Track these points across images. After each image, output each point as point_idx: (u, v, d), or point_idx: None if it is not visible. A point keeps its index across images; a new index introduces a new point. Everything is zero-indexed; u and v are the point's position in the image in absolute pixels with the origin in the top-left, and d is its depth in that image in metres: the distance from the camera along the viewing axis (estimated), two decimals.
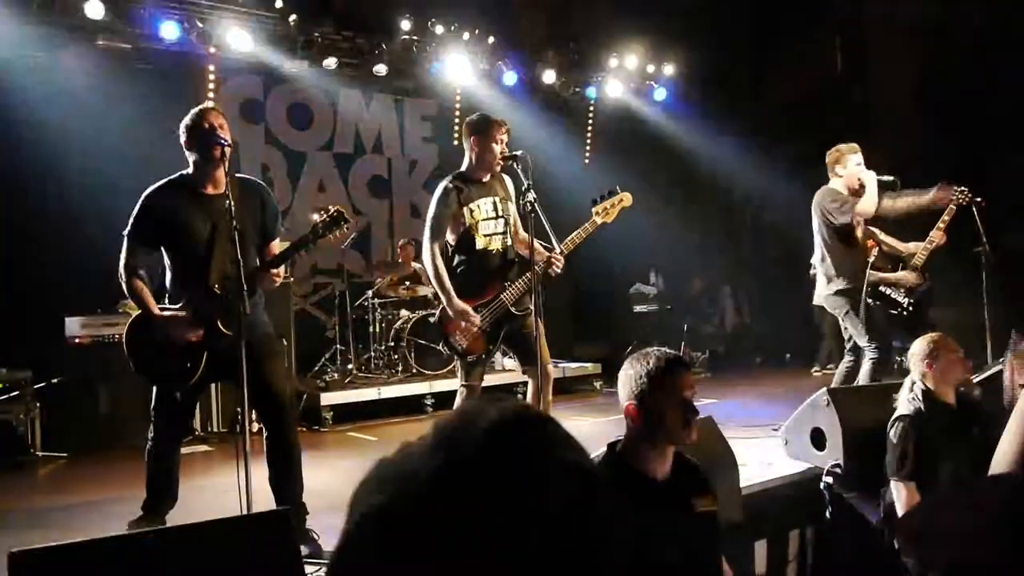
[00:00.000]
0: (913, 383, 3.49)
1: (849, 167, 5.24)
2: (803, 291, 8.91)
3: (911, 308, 5.36)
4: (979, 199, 5.57)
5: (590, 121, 9.90)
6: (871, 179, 5.11)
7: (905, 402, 3.46)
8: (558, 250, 4.07)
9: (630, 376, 2.22)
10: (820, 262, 5.37)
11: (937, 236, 5.42)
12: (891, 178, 5.16)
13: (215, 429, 6.19)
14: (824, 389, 4.14)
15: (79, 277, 6.21)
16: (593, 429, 6.16)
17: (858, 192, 5.18)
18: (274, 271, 3.47)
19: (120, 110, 6.94)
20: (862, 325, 5.12)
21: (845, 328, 5.35)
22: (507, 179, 4.32)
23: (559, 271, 4.12)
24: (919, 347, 3.49)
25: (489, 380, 4.62)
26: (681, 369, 2.21)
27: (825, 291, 5.35)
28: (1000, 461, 1.50)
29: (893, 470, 3.37)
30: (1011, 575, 0.89)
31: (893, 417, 3.46)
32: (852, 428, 3.93)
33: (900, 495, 3.33)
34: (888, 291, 5.45)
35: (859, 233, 5.28)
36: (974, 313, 5.64)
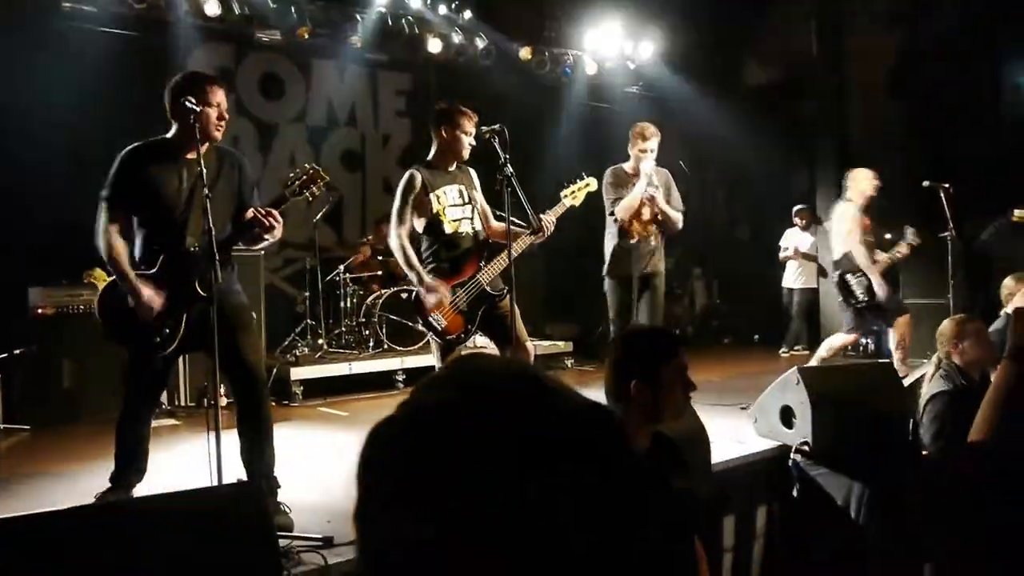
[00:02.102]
0: (940, 361, 3.57)
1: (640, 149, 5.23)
2: (772, 273, 9.04)
3: (863, 305, 5.71)
4: (947, 186, 5.67)
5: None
6: (647, 169, 5.16)
7: (940, 379, 3.51)
8: (536, 222, 4.11)
9: (632, 355, 2.21)
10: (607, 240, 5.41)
11: (903, 252, 5.81)
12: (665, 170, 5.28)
13: (183, 403, 6.11)
14: (794, 368, 4.20)
15: (42, 247, 6.07)
16: None
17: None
18: (275, 213, 3.31)
19: (84, 76, 6.75)
20: (616, 309, 5.31)
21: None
22: (472, 171, 4.38)
23: (547, 236, 4.21)
24: (948, 327, 3.58)
25: None
26: (679, 346, 2.23)
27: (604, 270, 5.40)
28: (974, 429, 1.57)
29: (931, 442, 3.41)
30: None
31: (931, 394, 3.50)
32: (821, 406, 3.98)
33: None
34: (852, 282, 5.71)
35: (634, 227, 5.27)
36: (940, 296, 5.75)
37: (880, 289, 5.61)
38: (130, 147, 3.39)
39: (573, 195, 4.54)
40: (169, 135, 3.41)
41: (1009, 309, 4.83)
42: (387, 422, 0.61)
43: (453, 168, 4.28)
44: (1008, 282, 4.91)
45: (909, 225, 5.71)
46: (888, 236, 5.82)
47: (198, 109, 3.23)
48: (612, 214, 5.27)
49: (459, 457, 0.55)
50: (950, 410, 3.38)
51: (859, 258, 5.67)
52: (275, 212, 3.32)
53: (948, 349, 3.58)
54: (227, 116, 3.38)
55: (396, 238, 4.16)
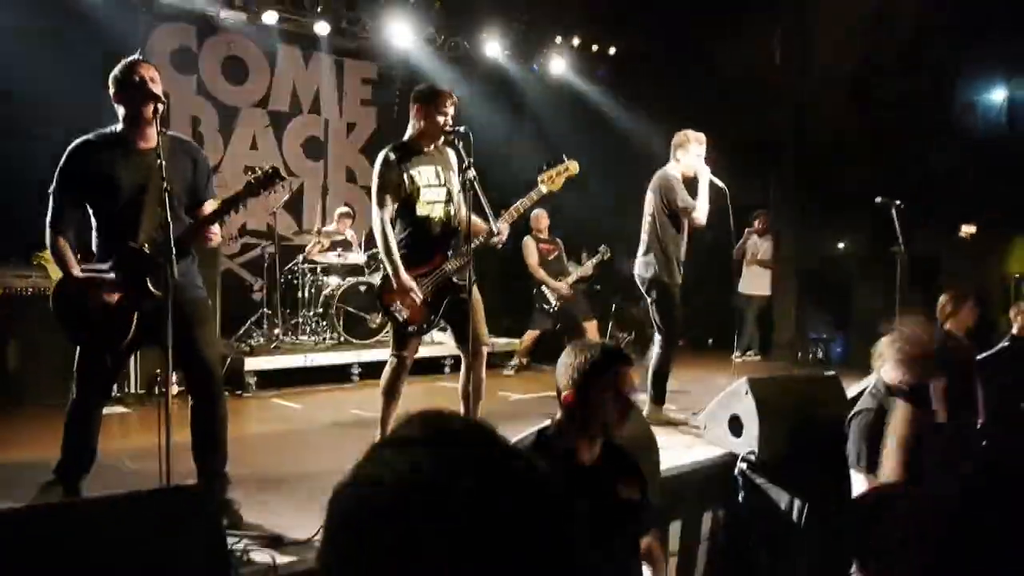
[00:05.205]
0: (875, 379, 3.62)
1: (690, 155, 5.22)
2: (728, 278, 9.18)
3: (554, 309, 7.76)
4: (899, 203, 5.81)
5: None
6: (705, 176, 5.14)
7: (868, 397, 3.54)
8: (497, 226, 4.07)
9: (571, 365, 2.23)
10: (645, 250, 5.28)
11: (585, 270, 8.05)
12: (722, 184, 5.16)
13: (133, 391, 6.00)
14: (744, 378, 4.29)
15: None
16: (516, 406, 6.24)
17: (691, 181, 5.21)
18: (211, 230, 3.32)
19: (35, 52, 6.57)
20: (661, 309, 5.23)
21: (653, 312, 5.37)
22: (450, 152, 4.27)
23: (503, 241, 4.15)
24: (880, 345, 3.63)
25: (419, 352, 4.62)
26: (621, 363, 2.24)
27: (645, 272, 5.26)
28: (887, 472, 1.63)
29: (854, 461, 3.42)
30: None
31: (854, 410, 3.54)
32: (768, 417, 4.09)
33: (861, 486, 3.35)
34: (546, 292, 7.77)
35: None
36: (890, 311, 5.90)
37: (552, 295, 7.75)
38: (79, 140, 3.31)
39: (551, 179, 4.33)
40: (119, 127, 3.34)
41: (948, 325, 4.98)
42: (357, 485, 0.63)
43: (431, 149, 4.17)
44: (943, 299, 5.05)
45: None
46: None
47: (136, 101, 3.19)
48: (675, 218, 5.16)
49: (430, 522, 0.59)
50: (868, 428, 3.38)
51: (539, 275, 7.75)
52: (209, 227, 3.29)
53: (879, 366, 3.62)
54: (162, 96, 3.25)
55: (379, 222, 4.05)
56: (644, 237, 5.31)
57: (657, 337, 5.34)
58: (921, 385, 1.80)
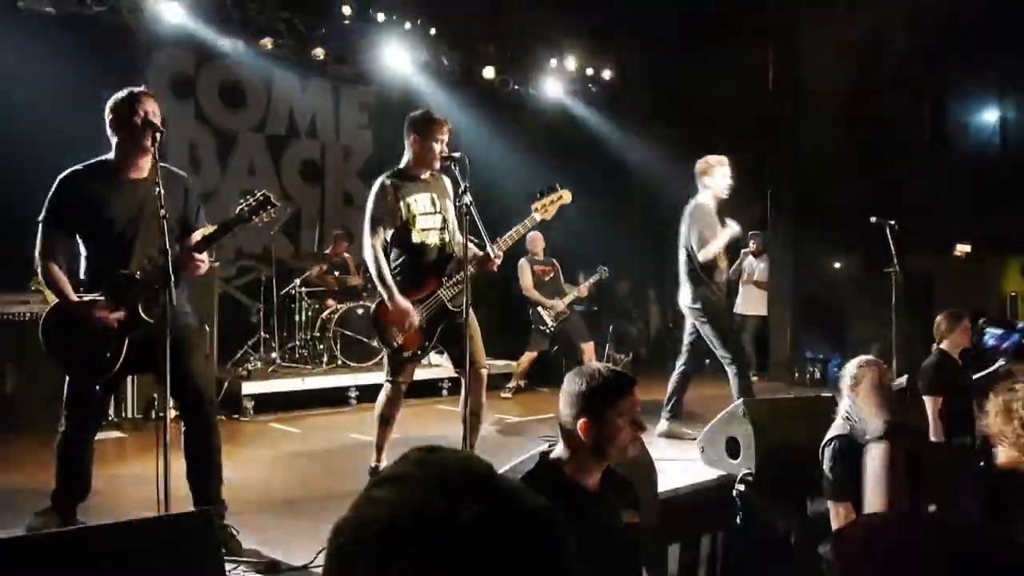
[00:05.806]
0: (848, 404, 3.54)
1: (717, 178, 5.35)
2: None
3: (550, 329, 7.75)
4: (892, 222, 5.85)
5: None
6: (730, 232, 5.29)
7: (841, 421, 3.45)
8: (493, 251, 4.08)
9: (580, 393, 2.19)
10: (684, 281, 5.43)
11: (582, 291, 8.05)
12: (737, 228, 5.37)
13: (129, 415, 5.98)
14: (740, 400, 4.30)
15: None
16: (514, 428, 6.23)
17: (725, 203, 5.39)
18: (198, 257, 3.32)
19: (36, 77, 6.60)
20: (718, 336, 5.36)
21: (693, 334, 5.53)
22: (446, 179, 4.33)
23: (496, 268, 4.16)
24: (848, 370, 3.57)
25: (416, 375, 4.63)
26: (631, 386, 2.23)
27: (687, 303, 5.43)
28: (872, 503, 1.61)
29: (828, 492, 3.35)
30: None
31: (827, 437, 3.45)
32: (765, 439, 4.09)
33: (837, 515, 3.30)
34: (542, 312, 7.76)
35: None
36: (885, 330, 5.93)
37: (548, 316, 7.73)
38: (68, 171, 3.31)
39: (544, 208, 4.33)
40: (110, 156, 3.34)
41: (943, 345, 5.00)
42: (358, 524, 0.64)
43: (426, 176, 4.21)
44: (939, 319, 5.08)
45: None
46: None
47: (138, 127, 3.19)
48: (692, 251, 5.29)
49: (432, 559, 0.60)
50: (839, 456, 3.32)
51: (533, 296, 7.76)
52: (196, 255, 3.28)
53: (847, 392, 3.47)
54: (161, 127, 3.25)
55: (371, 249, 4.08)
56: (682, 268, 5.44)
57: (730, 368, 5.38)
58: (898, 420, 1.77)
